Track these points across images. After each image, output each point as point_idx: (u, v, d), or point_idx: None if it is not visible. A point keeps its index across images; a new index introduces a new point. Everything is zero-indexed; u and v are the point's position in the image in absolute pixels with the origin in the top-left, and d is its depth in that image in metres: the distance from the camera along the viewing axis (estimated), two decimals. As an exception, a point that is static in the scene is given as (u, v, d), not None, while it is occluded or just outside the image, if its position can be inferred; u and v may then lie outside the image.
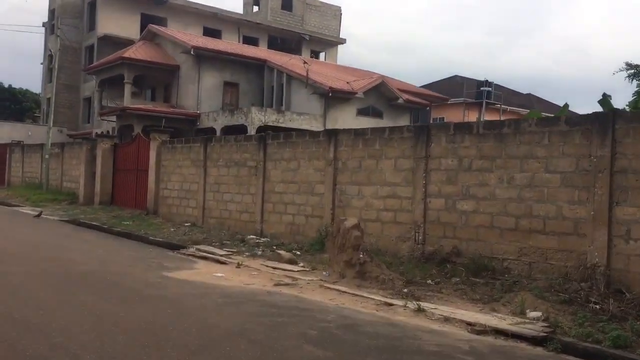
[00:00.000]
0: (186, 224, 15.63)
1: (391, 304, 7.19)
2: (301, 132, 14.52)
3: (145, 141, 19.62)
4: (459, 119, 35.89)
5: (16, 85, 53.13)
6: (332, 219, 11.67)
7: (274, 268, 9.55)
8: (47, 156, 25.36)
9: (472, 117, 38.54)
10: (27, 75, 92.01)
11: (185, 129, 27.83)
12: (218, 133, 25.76)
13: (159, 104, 31.47)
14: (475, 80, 44.20)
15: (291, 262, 10.09)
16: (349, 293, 7.78)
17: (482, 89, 41.94)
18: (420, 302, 7.09)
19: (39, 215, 17.73)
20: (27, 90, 54.29)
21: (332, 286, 8.18)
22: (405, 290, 7.84)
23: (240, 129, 24.59)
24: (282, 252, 10.66)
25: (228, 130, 25.73)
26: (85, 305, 6.44)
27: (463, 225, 9.36)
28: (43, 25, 47.57)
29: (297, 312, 6.70)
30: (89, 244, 12.11)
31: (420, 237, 9.93)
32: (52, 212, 19.19)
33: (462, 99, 41.74)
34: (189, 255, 11.05)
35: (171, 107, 30.69)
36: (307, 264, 9.97)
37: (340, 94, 28.22)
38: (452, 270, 8.75)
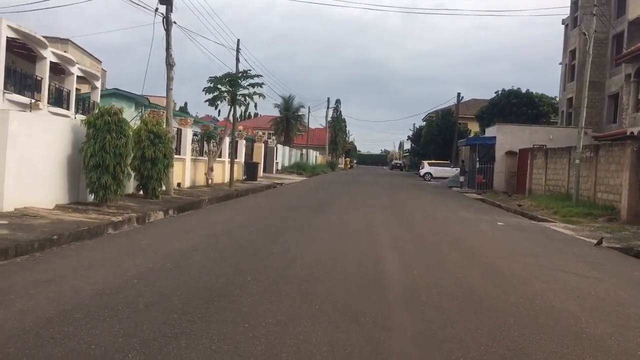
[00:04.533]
0: None
1: None
2: None
3: None
4: None
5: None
6: None
7: None
8: (577, 161, 21.44)
9: None
10: (535, 81, 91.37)
11: None
12: None
13: None
14: None
15: None
16: None
17: None
18: None
19: (599, 243, 12.72)
20: (542, 94, 52.43)
21: None
22: None
23: None
24: None
25: None
26: None
27: None
28: (563, 23, 44.91)
29: None
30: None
31: None
32: (590, 232, 15.12)
33: None
34: None
35: None
36: None
37: None
38: None
